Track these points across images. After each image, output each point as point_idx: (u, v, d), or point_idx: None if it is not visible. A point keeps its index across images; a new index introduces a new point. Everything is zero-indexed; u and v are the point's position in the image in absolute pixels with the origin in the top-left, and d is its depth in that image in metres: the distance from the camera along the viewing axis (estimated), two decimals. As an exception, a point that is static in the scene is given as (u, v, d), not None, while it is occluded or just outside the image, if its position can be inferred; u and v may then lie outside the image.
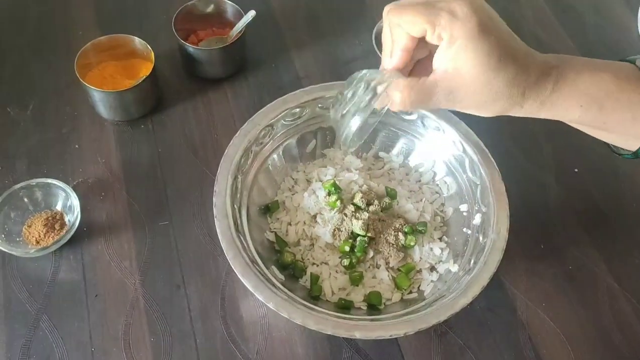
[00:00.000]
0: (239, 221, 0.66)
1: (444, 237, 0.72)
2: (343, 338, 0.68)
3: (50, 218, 0.71)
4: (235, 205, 0.66)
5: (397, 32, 0.47)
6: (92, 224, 0.74)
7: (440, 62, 0.45)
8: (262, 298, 0.58)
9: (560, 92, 0.46)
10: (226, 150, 0.68)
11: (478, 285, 0.60)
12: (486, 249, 0.63)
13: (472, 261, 0.65)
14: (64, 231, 0.70)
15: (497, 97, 0.46)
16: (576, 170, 0.83)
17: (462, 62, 0.44)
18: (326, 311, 0.60)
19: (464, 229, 0.70)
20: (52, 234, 0.70)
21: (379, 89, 0.48)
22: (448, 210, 0.73)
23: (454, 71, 0.45)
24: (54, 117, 0.83)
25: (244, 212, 0.68)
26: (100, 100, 0.79)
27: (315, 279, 0.67)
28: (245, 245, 0.64)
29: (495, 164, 0.69)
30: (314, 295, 0.66)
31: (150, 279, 0.71)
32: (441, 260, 0.69)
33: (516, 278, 0.73)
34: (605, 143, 0.54)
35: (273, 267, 0.66)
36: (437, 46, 0.45)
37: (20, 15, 0.95)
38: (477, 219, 0.68)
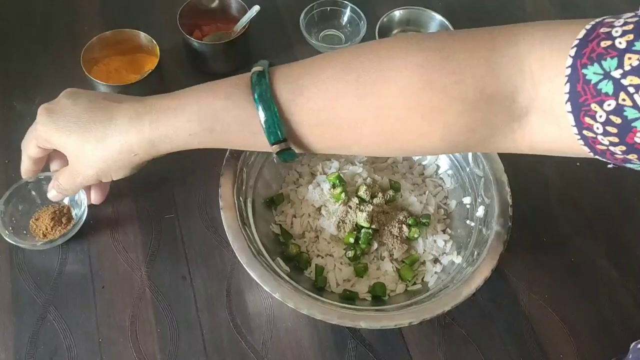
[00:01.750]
0: (244, 213, 0.66)
1: (447, 229, 0.72)
2: (348, 329, 0.68)
3: (57, 212, 0.72)
4: (240, 198, 0.67)
5: (23, 158, 0.66)
6: (99, 217, 0.75)
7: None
8: (268, 288, 0.59)
9: (161, 125, 0.51)
10: (232, 143, 0.68)
11: (481, 277, 0.61)
12: (489, 240, 0.64)
13: (475, 253, 0.65)
14: (71, 225, 0.71)
15: (101, 161, 0.55)
16: (578, 163, 0.83)
17: (61, 147, 0.58)
18: (332, 302, 0.61)
19: (467, 221, 0.71)
20: (60, 227, 0.71)
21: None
22: (451, 202, 0.74)
23: (68, 156, 0.58)
24: (60, 111, 0.84)
25: (249, 205, 0.69)
26: (106, 94, 0.80)
27: (320, 270, 0.68)
28: (251, 237, 0.64)
29: (498, 156, 0.69)
30: (318, 287, 0.67)
31: (156, 271, 0.71)
32: (445, 252, 0.70)
33: (519, 270, 0.74)
34: None
35: (278, 258, 0.67)
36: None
37: (26, 10, 0.95)
38: (480, 212, 0.69)
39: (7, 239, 0.67)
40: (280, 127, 0.48)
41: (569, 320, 0.71)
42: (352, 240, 0.68)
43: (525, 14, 1.01)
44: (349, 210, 0.69)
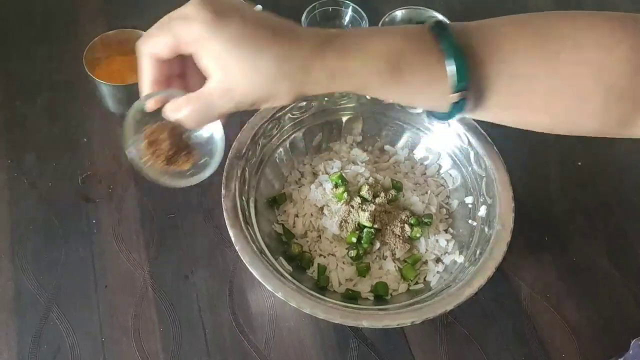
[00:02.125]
0: (247, 213, 0.66)
1: (450, 228, 0.72)
2: (350, 328, 0.68)
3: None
4: (243, 197, 0.67)
5: (145, 62, 0.46)
6: (101, 216, 0.75)
7: (203, 68, 0.44)
8: (271, 288, 0.59)
9: (348, 57, 0.44)
10: (234, 143, 0.69)
11: (484, 276, 0.61)
12: (491, 240, 0.64)
13: (477, 252, 0.65)
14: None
15: (274, 79, 0.43)
16: (579, 163, 0.84)
17: (217, 57, 0.42)
18: (334, 301, 0.61)
19: (469, 221, 0.71)
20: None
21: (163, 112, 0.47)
22: (453, 202, 0.74)
23: (218, 70, 0.43)
24: (62, 111, 0.84)
25: (251, 204, 0.69)
26: (108, 94, 0.80)
27: (322, 270, 0.68)
28: (254, 236, 0.64)
29: (500, 156, 0.69)
30: (321, 286, 0.67)
31: (159, 270, 0.71)
32: (447, 252, 0.70)
33: (521, 269, 0.74)
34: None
35: (281, 258, 0.67)
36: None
37: (27, 10, 0.95)
38: (482, 211, 0.69)
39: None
40: (468, 75, 0.45)
41: (571, 319, 0.71)
42: (354, 239, 0.68)
43: (526, 12, 1.01)
44: (351, 209, 0.69)
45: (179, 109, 0.46)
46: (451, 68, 0.45)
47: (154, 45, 0.44)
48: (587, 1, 1.04)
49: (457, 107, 0.47)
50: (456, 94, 0.46)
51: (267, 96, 0.45)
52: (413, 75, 0.46)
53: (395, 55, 0.45)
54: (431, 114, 0.53)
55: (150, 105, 0.48)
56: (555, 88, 0.47)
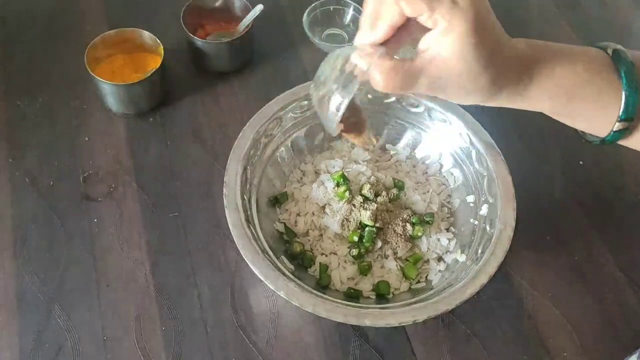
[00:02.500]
0: (248, 212, 0.66)
1: (451, 227, 0.72)
2: (352, 327, 0.68)
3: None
4: (245, 196, 0.67)
5: (389, 7, 0.44)
6: (103, 215, 0.75)
7: (429, 48, 0.44)
8: (273, 286, 0.59)
9: (533, 85, 0.46)
10: (236, 142, 0.69)
11: (486, 274, 0.61)
12: (493, 238, 0.64)
13: (479, 251, 0.65)
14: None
15: (479, 90, 0.45)
16: (581, 162, 0.84)
17: (453, 53, 0.43)
18: (336, 300, 0.61)
19: (471, 220, 0.71)
20: None
21: (360, 67, 0.44)
22: (455, 201, 0.74)
23: (444, 60, 0.43)
24: (63, 110, 0.84)
25: (253, 203, 0.69)
26: (109, 93, 0.80)
27: (324, 268, 0.68)
28: (255, 235, 0.64)
29: (501, 155, 0.69)
30: (323, 285, 0.67)
31: (160, 269, 0.71)
32: (448, 251, 0.70)
33: (522, 269, 0.74)
34: (574, 130, 0.55)
35: (282, 257, 0.67)
36: (421, 29, 0.44)
37: (30, 9, 0.95)
38: (483, 210, 0.69)
39: None
40: (636, 106, 0.47)
41: (573, 318, 0.71)
42: (356, 238, 0.68)
43: (528, 13, 1.01)
44: (353, 208, 0.69)
45: (383, 71, 0.44)
46: (625, 96, 0.47)
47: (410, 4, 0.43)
48: (591, 1, 1.04)
49: (616, 135, 0.49)
50: (620, 123, 0.48)
51: (457, 99, 0.46)
52: (582, 101, 0.48)
53: (572, 87, 0.47)
54: (584, 135, 0.53)
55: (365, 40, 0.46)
56: None
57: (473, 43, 0.42)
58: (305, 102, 0.73)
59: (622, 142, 0.52)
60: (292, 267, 0.67)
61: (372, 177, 0.73)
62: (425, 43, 0.44)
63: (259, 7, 0.85)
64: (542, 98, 0.48)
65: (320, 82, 0.47)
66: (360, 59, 0.45)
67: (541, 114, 0.50)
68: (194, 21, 0.87)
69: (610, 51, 0.49)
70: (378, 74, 0.44)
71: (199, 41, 0.83)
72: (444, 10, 0.42)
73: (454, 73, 0.44)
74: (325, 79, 0.47)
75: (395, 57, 0.45)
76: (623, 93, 0.47)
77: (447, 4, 0.42)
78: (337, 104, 0.46)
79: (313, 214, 0.72)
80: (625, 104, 0.47)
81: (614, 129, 0.49)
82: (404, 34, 0.46)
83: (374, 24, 0.45)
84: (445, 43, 0.43)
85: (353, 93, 0.46)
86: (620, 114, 0.48)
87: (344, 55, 0.45)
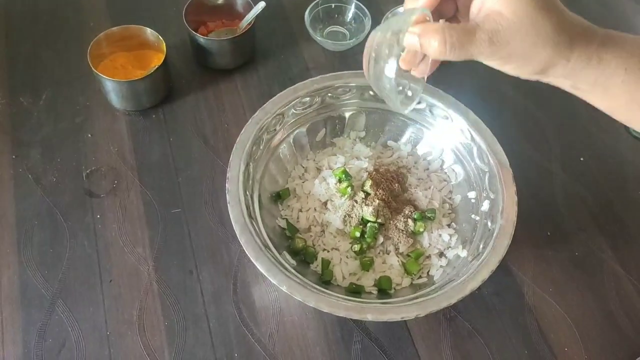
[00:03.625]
0: (251, 207, 0.67)
1: (453, 223, 0.73)
2: (354, 322, 0.69)
3: None
4: (247, 192, 0.67)
5: None
6: (106, 211, 0.75)
7: (482, 6, 0.43)
8: (276, 281, 0.59)
9: (607, 48, 0.44)
10: (238, 138, 0.69)
11: (487, 270, 0.61)
12: (495, 234, 0.64)
13: (480, 246, 0.66)
14: None
15: (544, 42, 0.43)
16: (582, 159, 0.84)
17: (506, 2, 0.42)
18: (338, 295, 0.61)
19: (472, 216, 0.71)
20: None
21: (410, 32, 0.44)
22: (456, 197, 0.74)
23: (497, 11, 0.42)
24: (66, 107, 0.84)
25: (255, 199, 0.69)
26: (112, 90, 0.80)
27: (326, 264, 0.69)
28: (258, 231, 0.65)
29: (503, 151, 0.69)
30: (325, 280, 0.68)
31: (163, 265, 0.72)
32: (450, 246, 0.70)
33: (523, 264, 0.74)
34: (625, 128, 0.52)
35: (285, 252, 0.67)
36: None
37: (33, 7, 0.96)
38: (485, 206, 0.69)
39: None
40: None
41: (573, 313, 0.71)
42: (358, 234, 0.68)
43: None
44: (355, 204, 0.70)
45: (436, 32, 0.43)
46: None
47: None
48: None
49: None
50: None
51: (525, 57, 0.44)
52: (616, 97, 0.46)
53: (610, 81, 0.45)
54: (631, 131, 0.52)
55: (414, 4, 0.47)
56: None
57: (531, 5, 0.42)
58: (307, 99, 0.74)
59: None
60: (294, 262, 0.67)
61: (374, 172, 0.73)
62: (476, 5, 0.44)
63: (261, 4, 0.85)
64: (617, 67, 0.45)
65: (370, 49, 0.47)
66: (412, 28, 0.45)
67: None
68: (196, 18, 0.87)
69: None
70: (432, 38, 0.43)
71: (201, 38, 0.84)
72: None
73: (510, 22, 0.42)
74: (378, 44, 0.47)
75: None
76: None
77: None
78: (389, 69, 0.46)
79: (315, 209, 0.72)
80: None
81: None
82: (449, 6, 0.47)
83: None
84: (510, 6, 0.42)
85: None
86: None
87: (395, 21, 0.46)
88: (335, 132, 0.79)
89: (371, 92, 0.75)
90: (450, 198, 0.75)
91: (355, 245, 0.69)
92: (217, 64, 0.88)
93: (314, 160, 0.77)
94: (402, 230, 0.69)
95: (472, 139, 0.72)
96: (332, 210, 0.71)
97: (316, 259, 0.69)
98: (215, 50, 0.86)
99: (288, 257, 0.67)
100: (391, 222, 0.70)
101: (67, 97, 0.85)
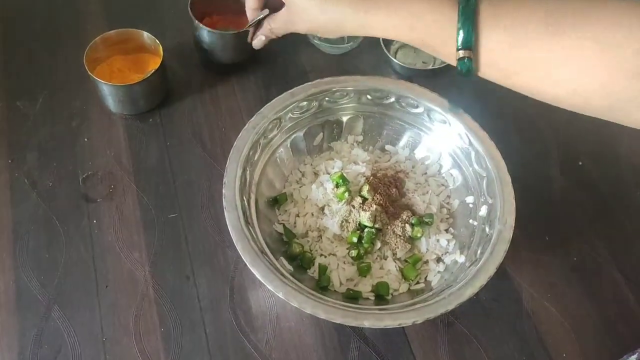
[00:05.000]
0: (247, 213, 0.66)
1: (450, 228, 0.72)
2: (351, 328, 0.68)
3: None
4: (244, 197, 0.67)
5: None
6: (102, 216, 0.75)
7: None
8: (272, 287, 0.59)
9: (374, 14, 0.58)
10: (235, 143, 0.68)
11: (485, 275, 0.61)
12: (492, 239, 0.64)
13: (478, 252, 0.65)
14: None
15: (321, 22, 0.61)
16: (580, 163, 0.84)
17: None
18: (335, 301, 0.61)
19: (470, 221, 0.71)
20: None
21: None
22: (454, 202, 0.74)
23: (290, 3, 0.63)
24: (63, 111, 0.84)
25: (252, 204, 0.69)
26: (109, 93, 0.80)
27: (323, 269, 0.68)
28: (255, 236, 0.64)
29: (500, 155, 0.69)
30: (322, 286, 0.67)
31: (159, 270, 0.71)
32: (448, 252, 0.70)
33: (521, 269, 0.74)
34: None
35: (282, 258, 0.67)
36: None
37: (29, 10, 0.95)
38: (483, 211, 0.69)
39: None
40: (470, 35, 0.54)
41: (572, 319, 0.71)
42: (355, 239, 0.68)
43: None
44: (352, 209, 0.69)
45: (258, 37, 0.74)
46: (458, 27, 0.54)
47: None
48: None
49: (464, 64, 0.56)
50: (461, 51, 0.55)
51: (310, 32, 0.66)
52: (425, 34, 0.57)
53: (412, 17, 0.57)
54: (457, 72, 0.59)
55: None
56: (557, 58, 0.51)
57: None
58: (305, 103, 0.73)
59: (482, 75, 0.57)
60: (291, 268, 0.67)
61: (372, 177, 0.72)
62: None
63: (265, 11, 0.84)
64: (387, 26, 0.58)
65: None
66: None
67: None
68: (202, 11, 0.85)
69: None
70: (264, 27, 0.72)
71: (205, 30, 0.81)
72: None
73: (296, 10, 0.63)
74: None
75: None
76: (457, 25, 0.54)
77: None
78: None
79: (312, 215, 0.72)
80: (459, 34, 0.54)
81: (457, 58, 0.55)
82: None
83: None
84: None
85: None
86: (457, 40, 0.54)
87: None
88: (332, 136, 0.78)
89: (369, 97, 0.75)
90: (448, 203, 0.75)
91: (353, 251, 0.68)
92: (217, 58, 0.86)
93: (312, 164, 0.77)
94: (400, 236, 0.69)
95: (470, 143, 0.71)
96: (330, 215, 0.70)
97: (313, 265, 0.69)
98: (218, 44, 0.84)
99: (285, 262, 0.67)
100: (389, 227, 0.70)
101: (64, 101, 0.85)
